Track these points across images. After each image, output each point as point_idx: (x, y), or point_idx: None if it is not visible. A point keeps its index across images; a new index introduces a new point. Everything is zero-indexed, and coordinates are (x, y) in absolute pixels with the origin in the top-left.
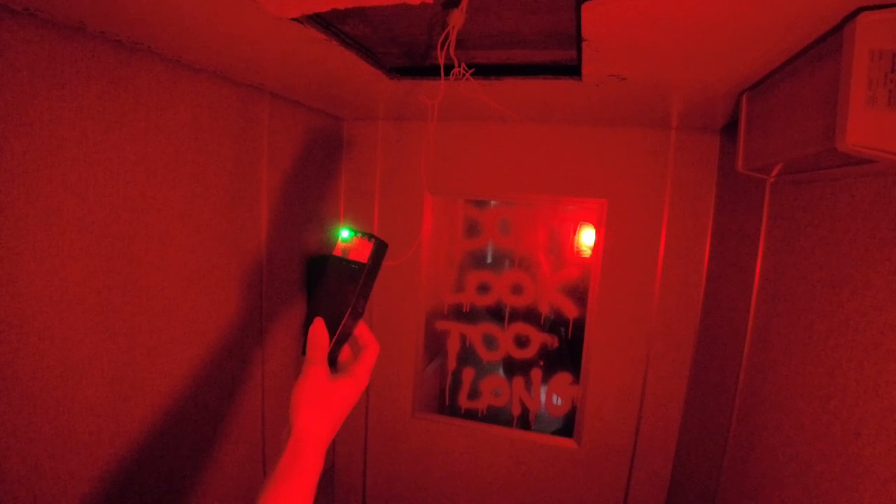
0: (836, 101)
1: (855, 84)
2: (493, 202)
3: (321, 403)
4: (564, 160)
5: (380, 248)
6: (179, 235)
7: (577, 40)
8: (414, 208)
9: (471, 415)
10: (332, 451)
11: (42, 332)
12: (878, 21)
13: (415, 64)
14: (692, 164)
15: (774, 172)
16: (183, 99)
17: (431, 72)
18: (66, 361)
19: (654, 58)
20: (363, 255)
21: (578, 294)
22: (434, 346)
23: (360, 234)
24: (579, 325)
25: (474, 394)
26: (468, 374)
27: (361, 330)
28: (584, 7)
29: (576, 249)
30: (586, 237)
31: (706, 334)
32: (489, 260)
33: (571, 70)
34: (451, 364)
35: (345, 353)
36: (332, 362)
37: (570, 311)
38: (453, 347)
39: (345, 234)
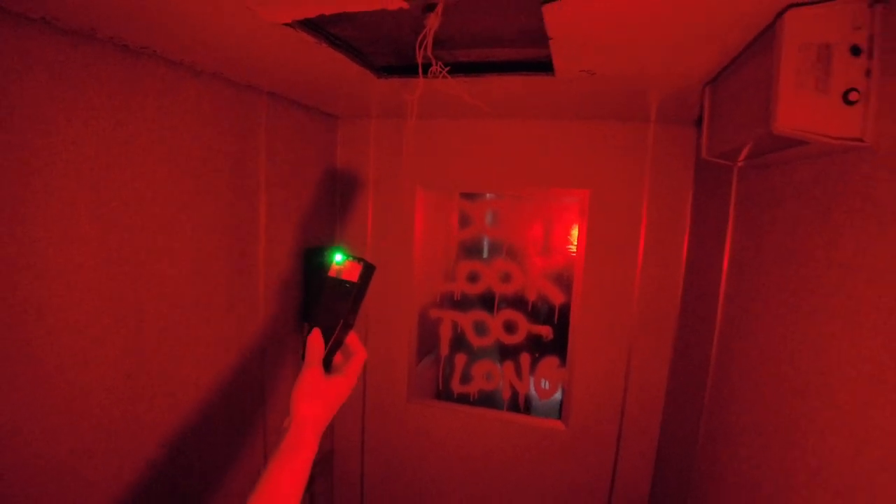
0: (769, 90)
1: (784, 73)
2: (481, 195)
3: (318, 397)
4: (549, 153)
5: (367, 270)
6: (184, 227)
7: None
8: (406, 202)
9: (463, 399)
10: (331, 436)
11: (58, 315)
12: (806, 16)
13: (402, 63)
14: (670, 155)
15: (741, 158)
16: (186, 99)
17: (410, 71)
18: (79, 343)
19: (618, 53)
20: (353, 275)
21: (564, 281)
22: (429, 334)
23: (351, 258)
24: (565, 311)
25: (466, 378)
26: (460, 360)
27: (352, 339)
28: (545, 9)
29: (561, 238)
30: (571, 226)
31: (686, 317)
32: (479, 250)
33: (546, 66)
34: (444, 350)
35: (337, 358)
36: (328, 366)
37: (557, 297)
38: (445, 334)
39: (338, 257)
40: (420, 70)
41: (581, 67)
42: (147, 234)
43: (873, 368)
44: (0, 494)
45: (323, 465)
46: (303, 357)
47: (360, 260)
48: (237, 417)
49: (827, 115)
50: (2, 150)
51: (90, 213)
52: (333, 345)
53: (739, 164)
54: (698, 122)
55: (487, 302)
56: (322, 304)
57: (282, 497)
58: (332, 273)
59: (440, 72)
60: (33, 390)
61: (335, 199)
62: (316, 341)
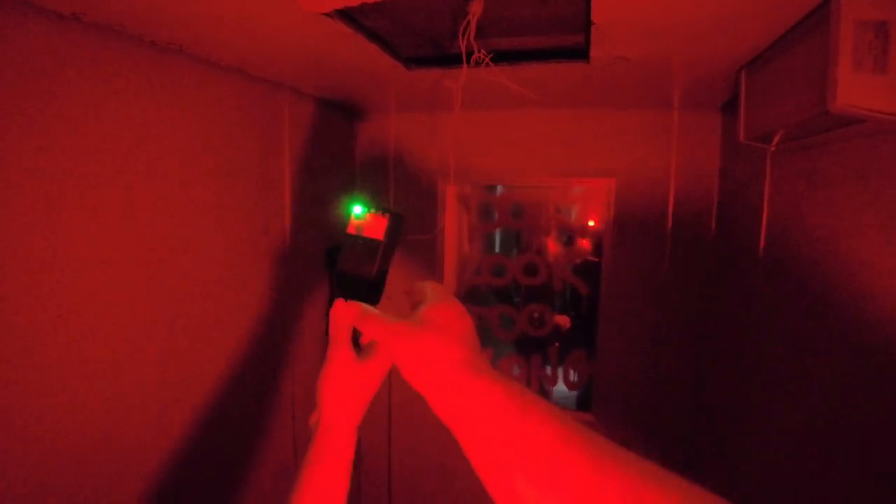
0: (826, 69)
1: (843, 52)
2: (505, 187)
3: (348, 386)
4: (573, 143)
5: (395, 222)
6: (213, 224)
7: (586, 24)
8: (428, 196)
9: None
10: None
11: (95, 316)
12: None
13: (429, 54)
14: (696, 142)
15: (775, 141)
16: (212, 96)
17: (447, 61)
18: (117, 344)
19: (657, 38)
20: (378, 231)
21: (591, 272)
22: None
23: (373, 210)
24: (593, 303)
25: None
26: (486, 355)
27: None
28: None
29: (587, 229)
30: (597, 217)
31: (715, 307)
32: (503, 243)
33: (580, 53)
34: None
35: (364, 337)
36: (355, 342)
37: (584, 288)
38: None
39: (357, 210)
40: (464, 58)
41: (617, 54)
42: (178, 234)
43: None
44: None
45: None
46: (326, 333)
47: (384, 211)
48: (266, 416)
49: (885, 93)
50: (34, 151)
51: (122, 212)
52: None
53: (773, 147)
54: (725, 108)
55: (512, 295)
56: (340, 272)
57: None
58: (351, 230)
59: (484, 59)
60: (69, 398)
61: (355, 193)
62: (340, 313)
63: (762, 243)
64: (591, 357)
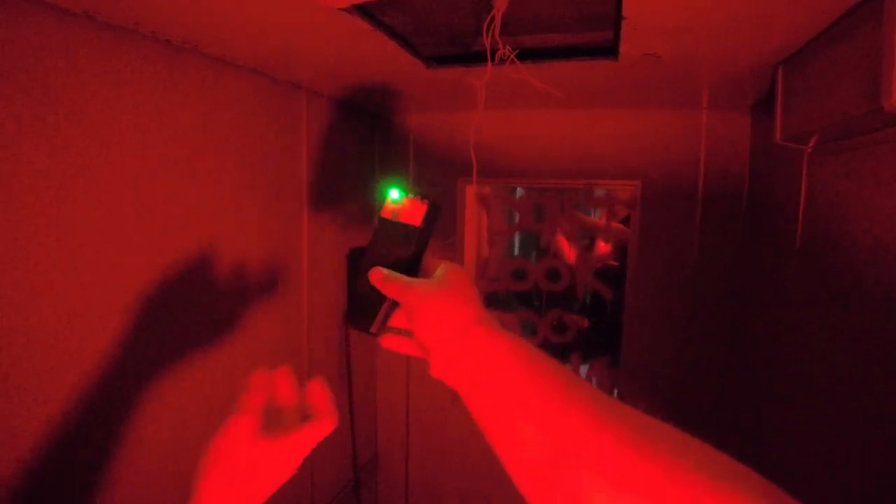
0: (880, 64)
1: None
2: (525, 189)
3: (240, 469)
4: (597, 144)
5: (434, 211)
6: (229, 230)
7: (616, 20)
8: (448, 198)
9: None
10: (374, 440)
11: (107, 325)
12: None
13: (450, 53)
14: (725, 143)
15: (813, 142)
16: (227, 97)
17: (468, 59)
18: (131, 352)
19: (691, 33)
20: (416, 217)
21: (615, 277)
22: None
23: (412, 195)
24: (617, 309)
25: None
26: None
27: (320, 393)
28: None
29: (611, 232)
30: (621, 220)
31: (746, 318)
32: (521, 246)
33: (608, 51)
34: None
35: (291, 398)
36: (378, 332)
37: (607, 294)
38: None
39: (394, 193)
40: (488, 54)
41: (647, 50)
42: (192, 238)
43: None
44: None
45: (367, 471)
46: (345, 320)
47: (424, 197)
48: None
49: None
50: (46, 151)
51: (135, 217)
52: (389, 306)
53: (810, 148)
54: (755, 107)
55: (533, 300)
56: (374, 256)
57: None
58: (386, 214)
59: (509, 56)
60: (79, 402)
61: (374, 199)
62: (260, 378)
63: (798, 243)
64: (614, 364)
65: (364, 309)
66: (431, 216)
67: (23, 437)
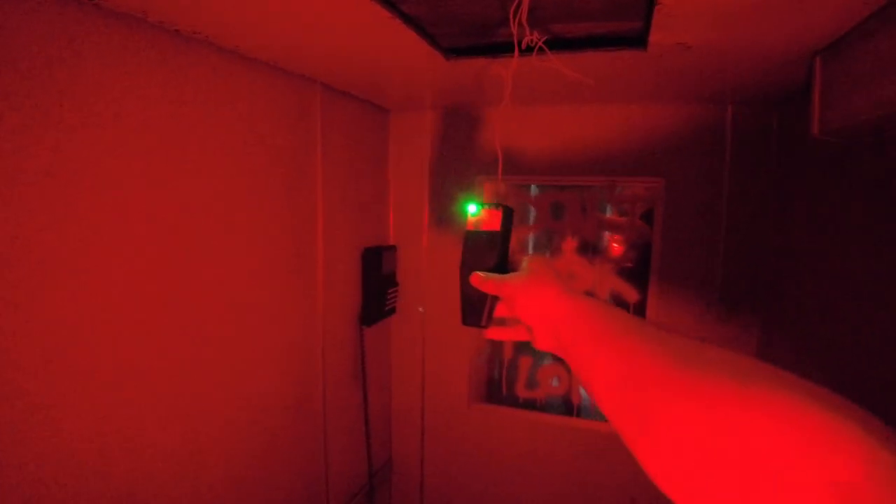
0: None
1: None
2: (542, 186)
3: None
4: (618, 140)
5: (508, 214)
6: (241, 227)
7: (648, 6)
8: (465, 196)
9: (529, 404)
10: (388, 445)
11: (113, 324)
12: None
13: (469, 44)
14: (751, 138)
15: (854, 134)
16: (240, 90)
17: (489, 50)
18: (137, 353)
19: (725, 21)
20: (495, 223)
21: (637, 277)
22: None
23: (487, 206)
24: (640, 310)
25: (532, 383)
26: (525, 363)
27: None
28: None
29: (634, 230)
30: (643, 218)
31: (774, 314)
32: (536, 245)
33: (636, 41)
34: (508, 353)
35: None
36: (487, 325)
37: (630, 294)
38: None
39: (472, 208)
40: (515, 40)
41: (678, 40)
42: (204, 235)
43: None
44: None
45: (382, 475)
46: (465, 321)
47: (497, 205)
48: (298, 422)
49: None
50: (51, 145)
51: (145, 214)
52: (492, 300)
53: (850, 141)
54: (784, 102)
55: None
56: (469, 262)
57: None
58: (470, 227)
59: (536, 42)
60: (90, 409)
61: (389, 195)
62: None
63: (843, 244)
64: None
65: (472, 309)
66: (507, 219)
67: (31, 441)
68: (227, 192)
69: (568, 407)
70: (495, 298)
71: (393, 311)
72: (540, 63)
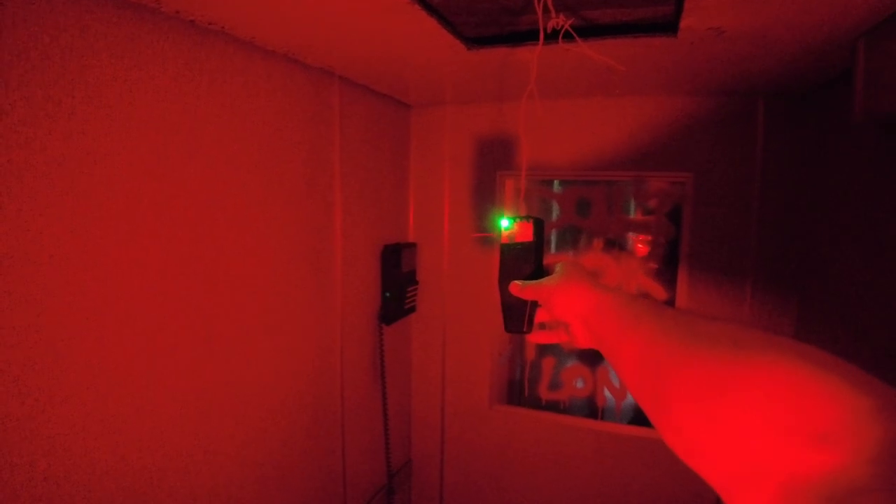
0: None
1: None
2: (566, 182)
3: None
4: (645, 134)
5: (539, 225)
6: (257, 222)
7: None
8: (486, 192)
9: (552, 406)
10: (408, 445)
11: (124, 321)
12: None
13: (492, 33)
14: (784, 131)
15: None
16: (257, 82)
17: (513, 39)
18: (148, 351)
19: (761, 3)
20: (527, 234)
21: (666, 275)
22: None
23: (519, 219)
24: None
25: (555, 385)
26: (548, 364)
27: None
28: None
29: (659, 230)
30: (671, 215)
31: (809, 315)
32: (559, 243)
33: (666, 27)
34: (530, 354)
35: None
36: (529, 330)
37: (658, 293)
38: None
39: (505, 223)
40: (540, 23)
41: (710, 24)
42: (217, 231)
43: None
44: None
45: (401, 476)
46: (508, 329)
47: (527, 218)
48: (316, 421)
49: None
50: (60, 136)
51: (157, 209)
52: (532, 306)
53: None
54: (818, 91)
55: None
56: (507, 273)
57: None
58: (505, 240)
59: (562, 26)
60: (101, 406)
61: (409, 192)
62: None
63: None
64: None
65: (513, 316)
66: (538, 229)
67: (39, 439)
68: (242, 187)
69: (592, 409)
70: (534, 305)
71: (413, 309)
72: (565, 51)
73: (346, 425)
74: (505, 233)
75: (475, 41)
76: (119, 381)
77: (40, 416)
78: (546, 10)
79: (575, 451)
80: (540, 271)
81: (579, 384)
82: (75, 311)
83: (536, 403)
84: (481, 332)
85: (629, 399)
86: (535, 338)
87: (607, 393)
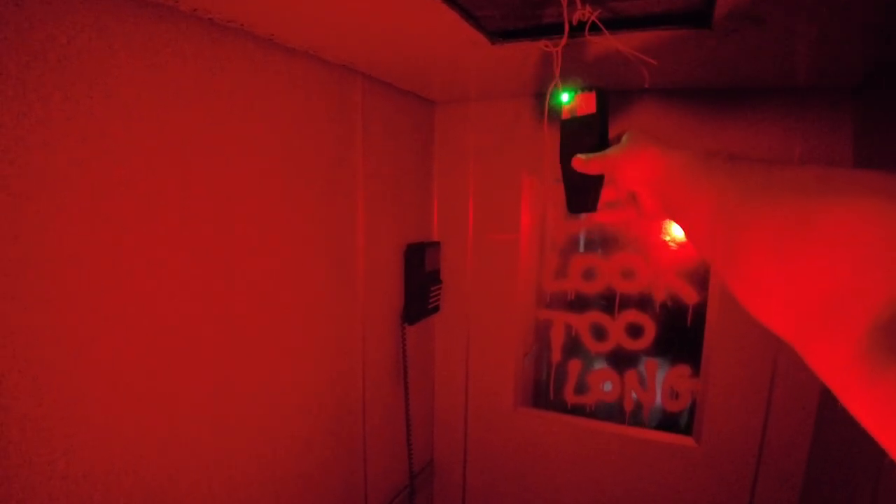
0: None
1: None
2: None
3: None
4: (677, 130)
5: (603, 95)
6: (279, 222)
7: None
8: (510, 191)
9: (577, 410)
10: (430, 446)
11: (144, 321)
12: None
13: (517, 27)
14: (824, 128)
15: None
16: (277, 81)
17: (538, 32)
18: (168, 351)
19: None
20: (590, 106)
21: (698, 277)
22: (534, 336)
23: (580, 90)
24: (700, 313)
25: (581, 388)
26: (574, 367)
27: None
28: None
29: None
30: None
31: None
32: (587, 243)
33: (699, 19)
34: (556, 356)
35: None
36: (594, 207)
37: (690, 296)
38: (557, 338)
39: (565, 97)
40: (564, 12)
41: (748, 13)
42: (239, 230)
43: None
44: None
45: (423, 477)
46: (571, 209)
47: (590, 88)
48: (338, 421)
49: None
50: (81, 138)
51: (179, 209)
52: (596, 182)
53: None
54: (859, 87)
55: (605, 301)
56: (569, 149)
57: None
58: (566, 116)
59: (589, 18)
60: (123, 410)
61: (432, 190)
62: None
63: None
64: (696, 374)
65: (578, 194)
66: (602, 100)
67: (58, 439)
68: (263, 187)
69: (620, 414)
70: (599, 180)
71: (436, 309)
72: (590, 45)
73: (368, 426)
74: (565, 107)
75: (499, 35)
76: (138, 380)
77: (59, 415)
78: (571, 1)
79: (600, 456)
80: (605, 144)
81: (607, 388)
82: (94, 311)
83: (562, 407)
84: (506, 333)
85: (657, 403)
86: (603, 217)
87: (634, 396)
